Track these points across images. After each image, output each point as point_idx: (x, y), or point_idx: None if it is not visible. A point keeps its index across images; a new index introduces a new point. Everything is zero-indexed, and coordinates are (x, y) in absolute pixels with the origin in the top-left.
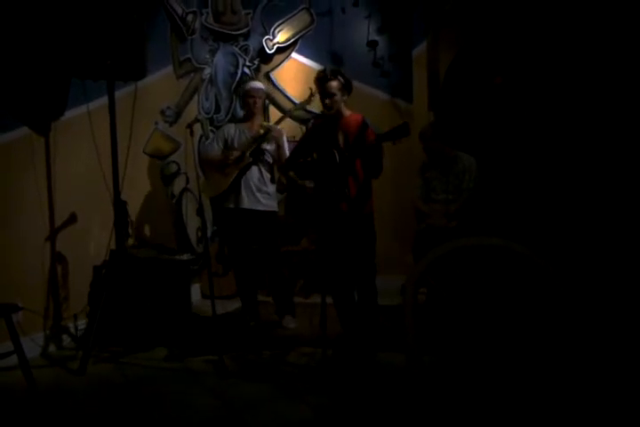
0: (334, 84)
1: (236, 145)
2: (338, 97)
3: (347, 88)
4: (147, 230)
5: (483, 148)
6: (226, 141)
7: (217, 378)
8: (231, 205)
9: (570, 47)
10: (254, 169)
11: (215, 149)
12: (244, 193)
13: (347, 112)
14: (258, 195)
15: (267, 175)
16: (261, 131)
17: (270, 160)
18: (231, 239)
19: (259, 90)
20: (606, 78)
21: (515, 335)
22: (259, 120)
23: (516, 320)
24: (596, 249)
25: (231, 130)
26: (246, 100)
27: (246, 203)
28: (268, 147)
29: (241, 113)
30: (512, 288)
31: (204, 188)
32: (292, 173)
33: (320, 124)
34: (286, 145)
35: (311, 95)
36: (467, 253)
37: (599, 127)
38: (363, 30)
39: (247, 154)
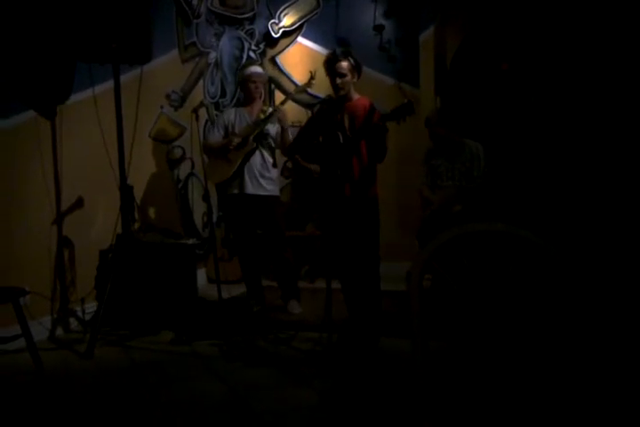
0: (345, 64)
1: (236, 131)
2: (348, 78)
3: (357, 69)
4: (153, 215)
5: (489, 133)
6: (226, 128)
7: (223, 362)
8: (235, 191)
9: (576, 34)
10: (257, 154)
11: (216, 136)
12: (247, 178)
13: (355, 95)
14: (261, 180)
15: (269, 160)
16: (262, 115)
17: (273, 144)
18: (236, 225)
19: (260, 74)
20: (613, 66)
21: (520, 321)
22: (259, 105)
23: (522, 306)
24: (603, 234)
25: (231, 116)
26: (247, 85)
27: (250, 188)
28: (271, 131)
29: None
30: (518, 274)
31: (209, 174)
32: (297, 157)
33: (327, 108)
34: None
35: (311, 78)
36: (472, 238)
37: (606, 113)
38: (369, 14)
39: (251, 139)
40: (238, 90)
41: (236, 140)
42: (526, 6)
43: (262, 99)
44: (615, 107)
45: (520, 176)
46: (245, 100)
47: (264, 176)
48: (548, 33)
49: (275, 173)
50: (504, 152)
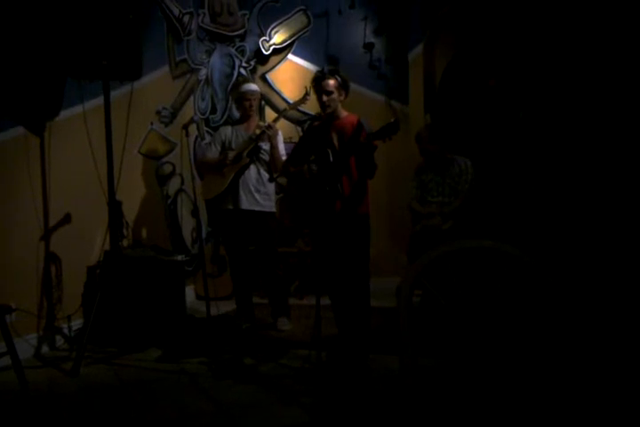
0: (331, 82)
1: (233, 146)
2: (335, 95)
3: (344, 87)
4: (142, 231)
5: (478, 150)
6: (223, 143)
7: (212, 380)
8: (230, 206)
9: (563, 49)
10: (252, 169)
11: (213, 151)
12: (242, 194)
13: (343, 113)
14: (256, 195)
15: (264, 175)
16: (257, 131)
17: (267, 159)
18: (229, 240)
19: (254, 92)
20: (600, 81)
21: (510, 338)
22: (255, 121)
23: (512, 323)
24: (592, 252)
25: (228, 132)
26: (242, 103)
27: (245, 204)
28: (265, 146)
29: (237, 114)
30: (507, 291)
31: (204, 191)
32: (291, 168)
33: (316, 126)
34: (281, 145)
35: (306, 94)
36: (462, 255)
37: (594, 129)
38: (359, 32)
39: (244, 154)
40: (229, 106)
41: (232, 155)
42: (513, 23)
43: (258, 115)
44: (603, 121)
45: (509, 192)
46: (241, 117)
47: (259, 191)
48: (535, 49)
49: (271, 187)
50: (493, 168)
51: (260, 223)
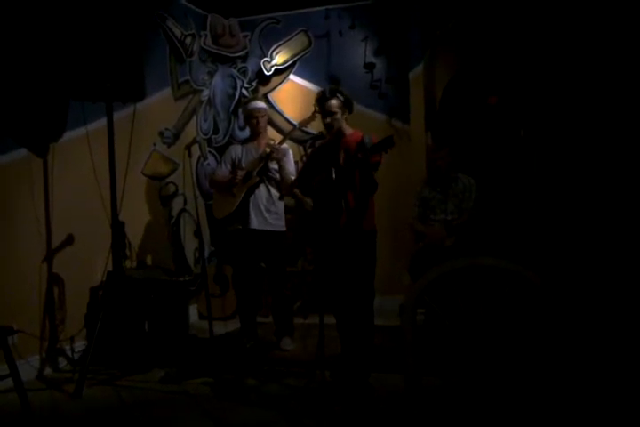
0: (334, 102)
1: (243, 165)
2: (338, 115)
3: (347, 106)
4: (145, 251)
5: (479, 167)
6: (233, 162)
7: (215, 401)
8: (239, 226)
9: (563, 67)
10: (262, 188)
11: (223, 171)
12: (252, 213)
13: (348, 131)
14: (267, 215)
15: (275, 194)
16: (267, 149)
17: (277, 178)
18: (237, 259)
19: (261, 109)
20: (600, 97)
21: (514, 355)
22: (264, 139)
23: (516, 340)
24: (595, 266)
25: (238, 150)
26: (250, 121)
27: (255, 223)
28: (274, 165)
29: (239, 134)
30: (511, 308)
31: (215, 209)
32: (296, 191)
33: (324, 145)
34: (289, 165)
35: (315, 112)
36: (465, 272)
37: (595, 146)
38: (360, 53)
39: (254, 173)
40: (231, 126)
41: (241, 174)
42: (513, 41)
43: (267, 132)
44: (605, 138)
45: (511, 209)
46: (251, 134)
47: (270, 210)
48: (535, 67)
49: (281, 207)
50: (495, 185)
51: (269, 243)
